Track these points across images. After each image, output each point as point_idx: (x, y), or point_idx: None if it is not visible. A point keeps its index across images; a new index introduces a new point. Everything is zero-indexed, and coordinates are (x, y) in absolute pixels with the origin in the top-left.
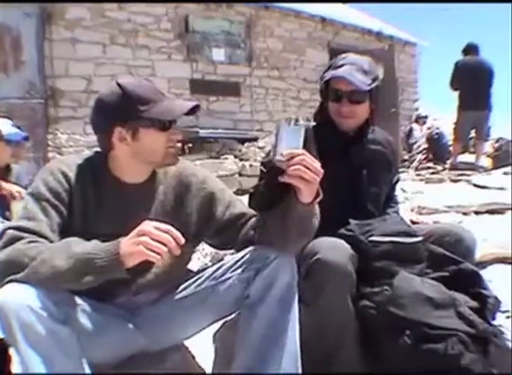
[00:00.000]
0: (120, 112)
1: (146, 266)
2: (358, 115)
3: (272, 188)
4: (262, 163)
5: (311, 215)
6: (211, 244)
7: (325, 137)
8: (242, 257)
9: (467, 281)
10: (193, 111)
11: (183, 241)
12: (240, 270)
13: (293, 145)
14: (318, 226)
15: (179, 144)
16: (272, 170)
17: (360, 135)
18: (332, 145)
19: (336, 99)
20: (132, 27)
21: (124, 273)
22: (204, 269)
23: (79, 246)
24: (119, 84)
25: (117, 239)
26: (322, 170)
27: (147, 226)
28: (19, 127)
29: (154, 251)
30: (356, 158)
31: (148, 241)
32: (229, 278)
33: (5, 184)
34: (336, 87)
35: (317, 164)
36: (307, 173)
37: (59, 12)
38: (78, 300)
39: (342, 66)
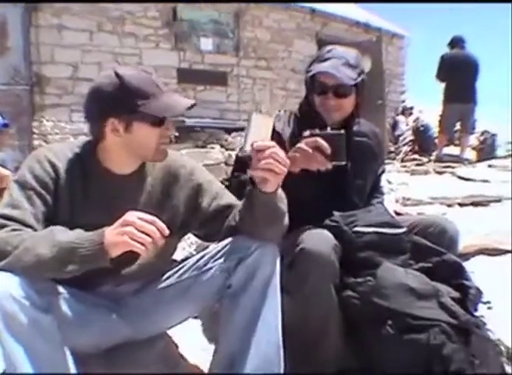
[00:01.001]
0: (116, 103)
1: (130, 256)
2: (344, 108)
3: (242, 180)
4: (237, 157)
5: (274, 201)
6: (197, 236)
7: (309, 129)
8: (224, 246)
9: (450, 272)
10: (189, 108)
11: (167, 232)
12: (222, 260)
13: (263, 136)
14: (303, 218)
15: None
16: (241, 161)
17: (346, 127)
18: None
19: (321, 93)
20: (119, 15)
21: (108, 262)
22: (187, 258)
23: (63, 235)
24: (117, 74)
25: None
26: (288, 161)
27: (132, 216)
28: (0, 114)
29: (138, 242)
30: None
31: (133, 231)
32: (211, 268)
33: (2, 169)
34: (321, 81)
35: (284, 155)
36: (277, 165)
37: None
38: (61, 289)
39: (328, 59)
